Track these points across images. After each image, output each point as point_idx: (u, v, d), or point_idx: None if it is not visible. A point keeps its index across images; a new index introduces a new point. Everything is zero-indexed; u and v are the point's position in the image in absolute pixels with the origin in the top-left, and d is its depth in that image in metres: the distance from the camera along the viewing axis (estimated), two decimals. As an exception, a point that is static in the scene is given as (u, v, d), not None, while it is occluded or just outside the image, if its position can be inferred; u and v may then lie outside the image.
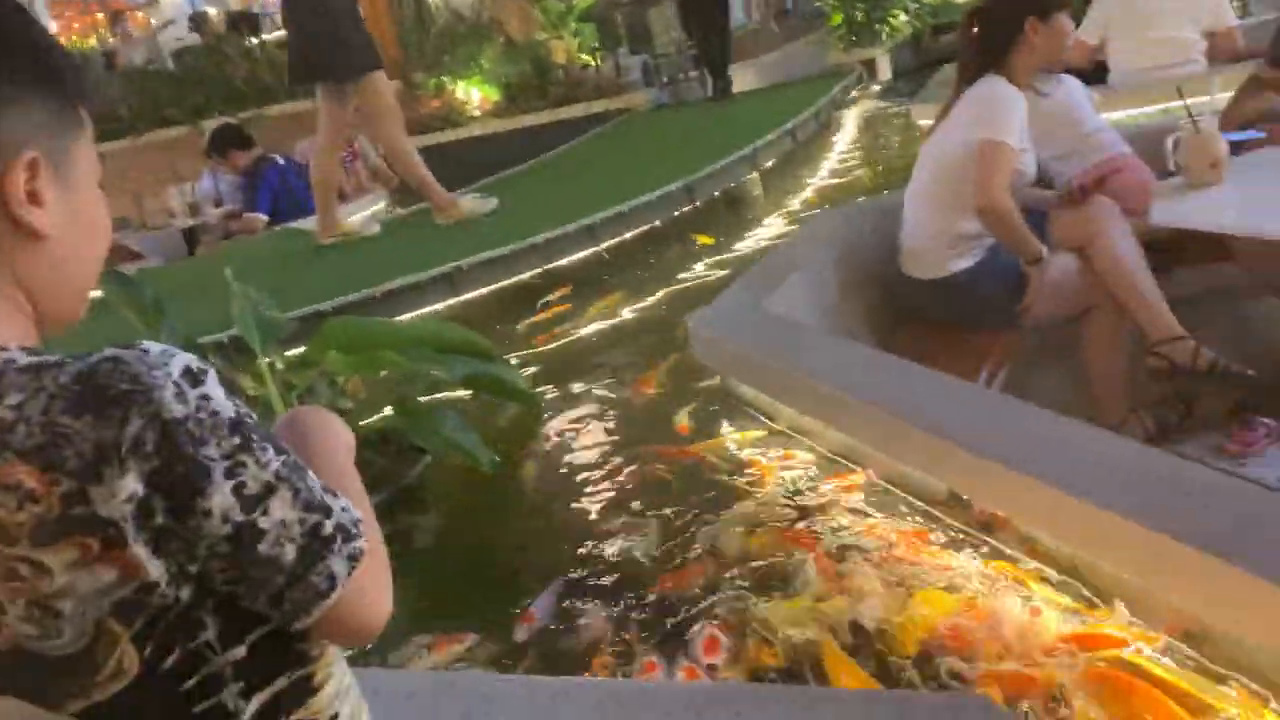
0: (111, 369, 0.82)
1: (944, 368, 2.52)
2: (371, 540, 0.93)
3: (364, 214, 6.42)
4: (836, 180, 6.12)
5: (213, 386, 0.85)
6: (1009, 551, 1.96)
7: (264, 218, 6.99)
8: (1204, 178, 3.17)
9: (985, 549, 1.99)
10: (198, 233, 7.50)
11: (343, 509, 0.89)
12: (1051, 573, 1.85)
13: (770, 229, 5.21)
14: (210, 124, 8.55)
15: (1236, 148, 3.33)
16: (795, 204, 5.62)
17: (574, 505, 2.74)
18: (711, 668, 1.69)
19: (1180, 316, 3.35)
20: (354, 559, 0.88)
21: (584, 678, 1.68)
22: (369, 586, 0.90)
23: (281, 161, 7.15)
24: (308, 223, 6.82)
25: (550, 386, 3.70)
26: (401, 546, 2.92)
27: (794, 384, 2.59)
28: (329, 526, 0.87)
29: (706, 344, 3.04)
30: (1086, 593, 1.79)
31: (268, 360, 3.08)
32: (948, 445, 2.04)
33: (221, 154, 7.23)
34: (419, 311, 4.48)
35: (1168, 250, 3.40)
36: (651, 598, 2.03)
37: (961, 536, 2.05)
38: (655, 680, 1.62)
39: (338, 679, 0.98)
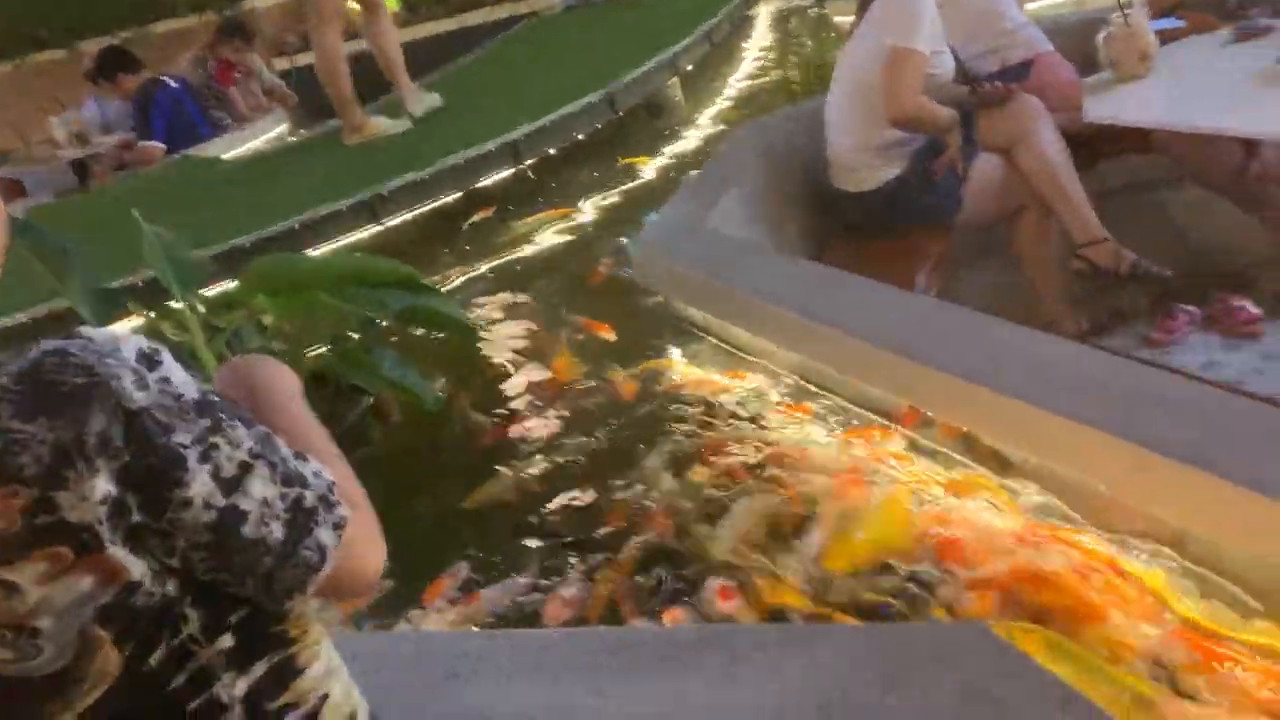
0: (59, 363, 0.74)
1: (881, 276, 2.53)
2: (354, 492, 0.91)
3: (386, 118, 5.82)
4: (759, 83, 6.02)
5: (170, 367, 0.80)
6: (976, 467, 1.98)
7: (161, 146, 6.63)
8: (1133, 70, 3.18)
9: (952, 464, 2.01)
10: (88, 164, 7.10)
11: (315, 474, 0.85)
12: (1025, 486, 1.88)
13: (697, 138, 5.12)
14: (90, 45, 8.04)
15: (1159, 37, 3.35)
16: (720, 111, 5.52)
17: (521, 437, 2.69)
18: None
19: (1103, 210, 3.40)
20: (339, 526, 0.85)
21: (571, 629, 1.66)
22: (358, 541, 0.87)
23: (173, 84, 6.77)
24: (209, 149, 6.51)
25: (483, 315, 3.61)
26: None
27: (741, 304, 2.56)
28: (310, 497, 0.83)
29: (647, 264, 2.99)
30: (1060, 504, 1.82)
31: (188, 304, 2.94)
32: (908, 362, 2.05)
33: (108, 78, 6.82)
34: (340, 241, 4.32)
35: (1088, 143, 3.44)
36: (626, 540, 2.02)
37: (930, 451, 2.06)
38: (647, 627, 1.61)
39: (325, 659, 0.95)
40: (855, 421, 2.23)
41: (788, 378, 2.45)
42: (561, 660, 1.41)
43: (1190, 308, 3.63)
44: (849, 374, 2.26)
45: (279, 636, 0.90)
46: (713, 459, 2.24)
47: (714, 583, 1.73)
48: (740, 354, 2.64)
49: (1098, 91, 3.13)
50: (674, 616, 1.65)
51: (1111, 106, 2.91)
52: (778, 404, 2.37)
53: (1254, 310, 3.58)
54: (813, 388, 2.38)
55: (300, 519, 0.82)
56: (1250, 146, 3.35)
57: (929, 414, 2.07)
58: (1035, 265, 3.59)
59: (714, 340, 2.76)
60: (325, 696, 0.94)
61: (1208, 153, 3.38)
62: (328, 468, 0.87)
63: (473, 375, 3.17)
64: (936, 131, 3.11)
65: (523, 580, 1.95)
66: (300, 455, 0.85)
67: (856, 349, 2.18)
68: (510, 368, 3.11)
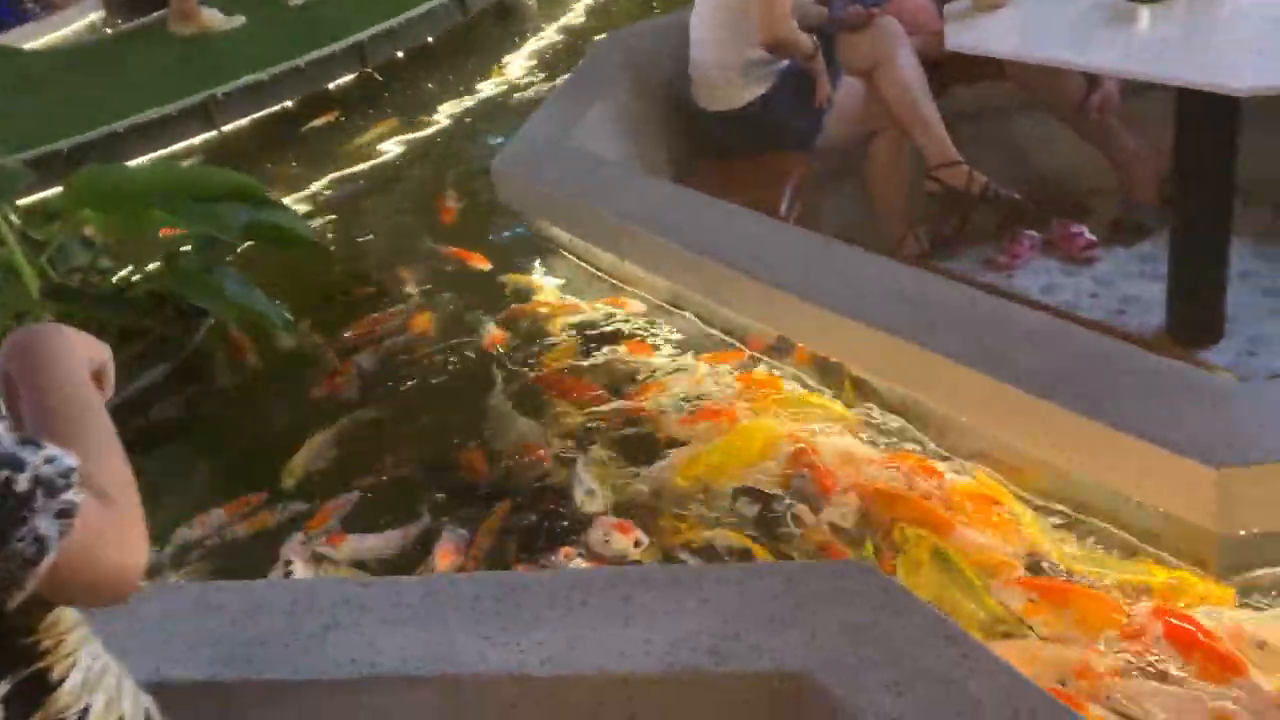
0: None
1: (744, 198, 2.53)
2: (115, 484, 0.82)
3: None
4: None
5: None
6: (833, 393, 2.02)
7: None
8: (992, 1, 3.24)
9: (813, 390, 2.05)
10: None
11: (47, 460, 0.76)
12: (885, 415, 1.93)
13: (551, 46, 4.96)
14: None
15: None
16: (573, 18, 5.36)
17: (375, 361, 2.59)
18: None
19: (957, 133, 3.49)
20: (66, 514, 0.75)
21: (456, 574, 1.62)
22: (109, 537, 0.79)
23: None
24: (11, 38, 5.92)
25: (329, 228, 3.45)
26: (190, 417, 2.70)
27: (609, 228, 2.52)
28: (23, 481, 0.74)
29: (510, 183, 2.90)
30: (918, 433, 1.87)
31: (1, 214, 2.69)
32: (776, 292, 2.06)
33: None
34: (170, 149, 4.02)
35: (944, 68, 3.50)
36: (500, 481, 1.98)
37: (792, 378, 2.09)
38: (534, 571, 1.58)
39: (84, 668, 0.87)
40: (718, 346, 2.24)
41: (656, 303, 2.43)
42: (446, 606, 1.38)
43: (1033, 232, 3.79)
44: (716, 301, 2.26)
45: (28, 650, 0.82)
46: (576, 392, 2.20)
47: (606, 520, 1.72)
48: (607, 278, 2.61)
49: (959, 20, 3.18)
50: (562, 558, 1.64)
51: (972, 37, 2.95)
52: (642, 331, 2.35)
53: (1090, 237, 3.76)
54: (682, 313, 2.37)
55: (8, 505, 0.73)
56: (1093, 80, 3.48)
57: (794, 341, 2.09)
58: (888, 188, 3.66)
59: (580, 263, 2.71)
60: (86, 710, 0.87)
61: (1055, 84, 3.49)
62: (76, 451, 0.78)
63: (323, 300, 3.02)
64: (800, 58, 3.11)
65: (396, 532, 1.89)
66: (29, 440, 0.76)
67: (722, 275, 2.18)
68: (370, 289, 2.98)
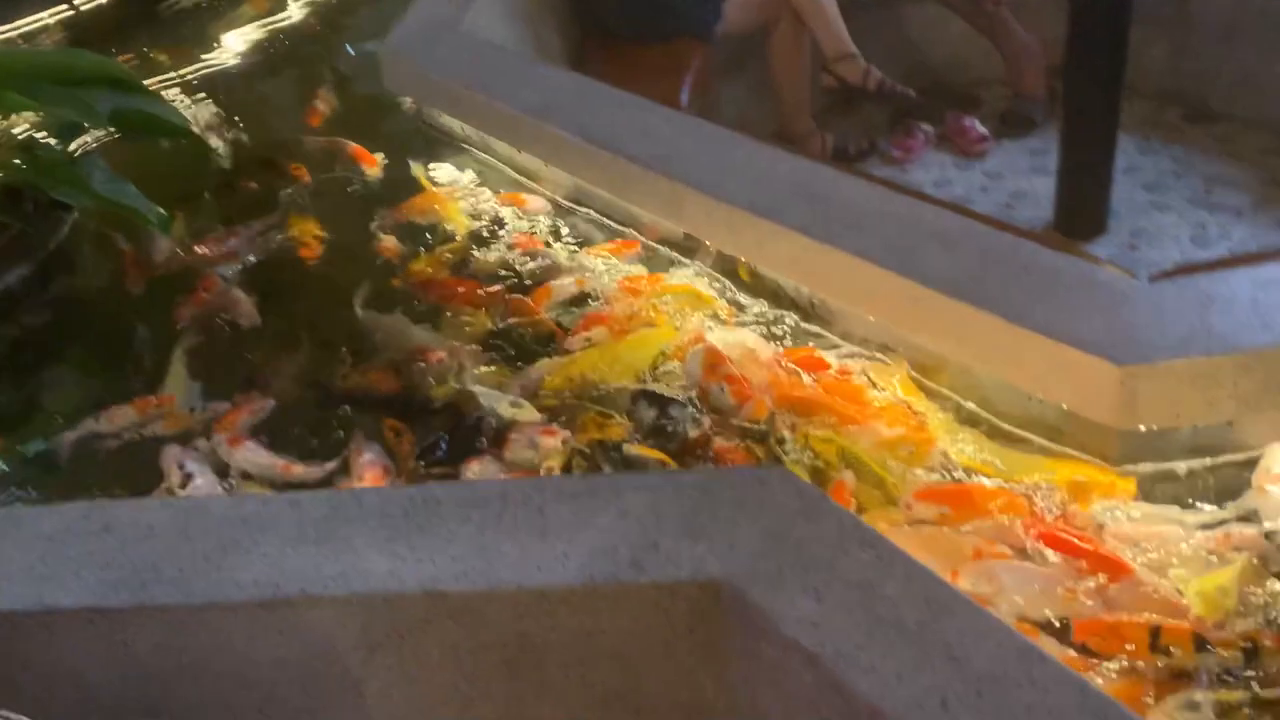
0: None
1: (641, 87, 2.45)
2: None
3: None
4: None
5: None
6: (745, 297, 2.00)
7: None
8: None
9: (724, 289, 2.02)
10: None
11: None
12: (786, 313, 1.92)
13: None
14: None
15: None
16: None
17: (254, 267, 2.46)
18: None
19: (851, 25, 3.46)
20: None
21: (362, 488, 1.56)
22: None
23: None
24: None
25: (202, 118, 3.23)
26: (57, 320, 2.52)
27: (508, 119, 2.42)
28: None
29: (401, 70, 2.74)
30: (826, 332, 1.87)
31: None
32: (684, 189, 2.01)
33: None
34: (18, 28, 3.69)
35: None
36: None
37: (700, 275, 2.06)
38: (445, 484, 1.53)
39: None
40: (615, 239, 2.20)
41: (558, 200, 2.36)
42: (353, 523, 1.33)
43: (926, 126, 3.81)
44: (621, 198, 2.20)
45: None
46: (471, 295, 2.12)
47: (528, 427, 1.66)
48: (506, 172, 2.51)
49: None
50: (475, 471, 1.59)
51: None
52: (542, 229, 2.28)
53: (981, 130, 3.80)
54: (586, 211, 2.30)
55: None
56: (987, -31, 3.47)
57: (702, 240, 2.06)
58: (789, 79, 3.62)
59: (475, 156, 2.61)
60: None
61: (948, -27, 3.48)
62: None
63: (199, 197, 2.84)
64: None
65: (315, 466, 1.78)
66: None
67: (627, 171, 2.12)
68: (251, 185, 2.81)
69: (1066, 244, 3.17)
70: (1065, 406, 1.51)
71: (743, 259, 1.95)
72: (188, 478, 1.81)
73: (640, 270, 2.10)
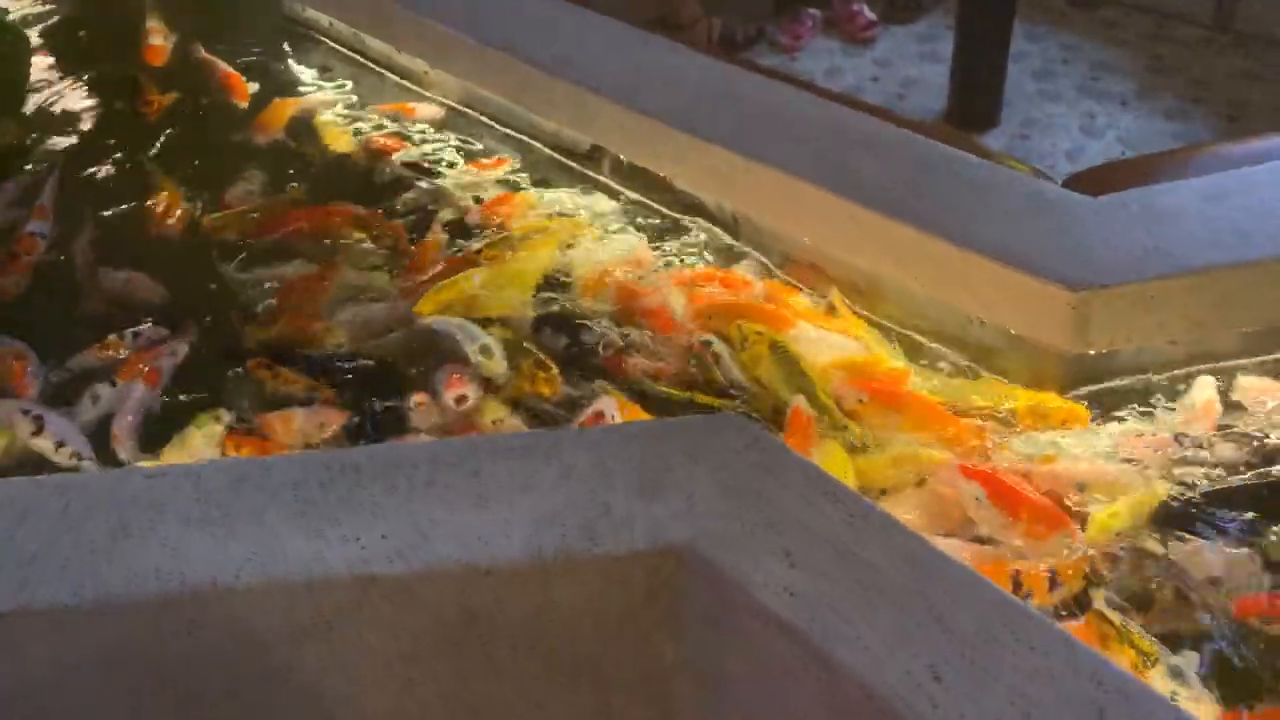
0: None
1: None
2: None
3: None
4: None
5: None
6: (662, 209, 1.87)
7: None
8: None
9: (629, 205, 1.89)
10: None
11: None
12: (717, 231, 1.81)
13: None
14: None
15: None
16: None
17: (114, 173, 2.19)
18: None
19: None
20: None
21: (268, 457, 1.37)
22: None
23: None
24: None
25: (27, 17, 2.84)
26: None
27: (386, 13, 2.19)
28: None
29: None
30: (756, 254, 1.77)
31: None
32: (590, 96, 1.86)
33: None
34: None
35: None
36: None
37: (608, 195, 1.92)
38: (365, 447, 1.37)
39: None
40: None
41: (452, 107, 2.16)
42: (262, 497, 1.18)
43: (814, 11, 3.69)
44: (518, 104, 2.02)
45: None
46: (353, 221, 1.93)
47: (443, 374, 1.51)
48: (388, 76, 2.28)
49: None
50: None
51: None
52: (432, 143, 2.08)
53: (870, 16, 3.71)
54: (480, 118, 2.11)
55: None
56: None
57: (611, 153, 1.91)
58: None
59: (348, 55, 2.37)
60: None
61: None
62: None
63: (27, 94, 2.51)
64: None
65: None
66: None
67: (524, 75, 1.95)
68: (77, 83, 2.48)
69: (1001, 156, 3.14)
70: (1013, 331, 1.45)
71: (660, 173, 1.82)
72: (39, 422, 1.59)
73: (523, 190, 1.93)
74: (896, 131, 1.63)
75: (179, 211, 1.96)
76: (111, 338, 1.68)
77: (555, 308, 1.72)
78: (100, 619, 1.12)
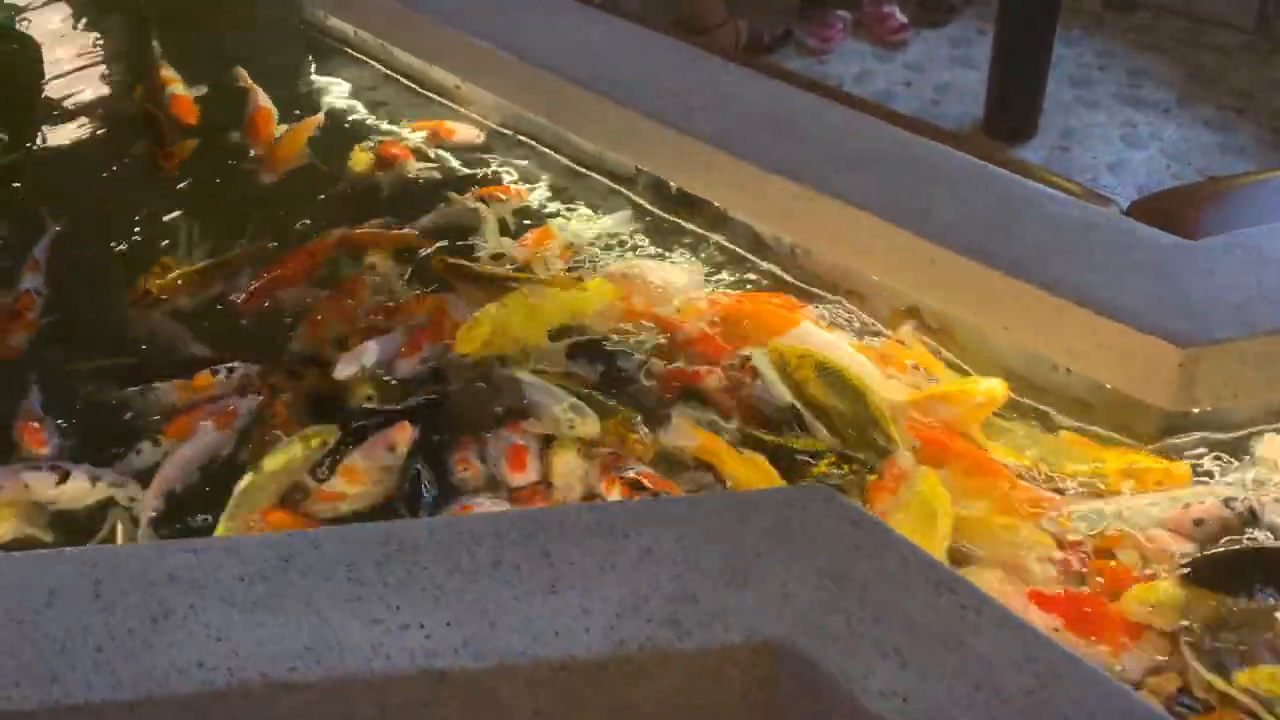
0: None
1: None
2: None
3: None
4: None
5: None
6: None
7: None
8: None
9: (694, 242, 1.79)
10: None
11: None
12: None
13: None
14: None
15: None
16: None
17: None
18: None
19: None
20: None
21: (318, 530, 1.25)
22: None
23: None
24: None
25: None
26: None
27: (414, 25, 2.08)
28: None
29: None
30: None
31: None
32: (640, 120, 1.75)
33: None
34: None
35: None
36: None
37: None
38: (419, 521, 1.25)
39: None
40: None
41: (494, 128, 2.04)
42: (311, 577, 1.08)
43: (844, 13, 3.58)
44: (563, 126, 1.92)
45: None
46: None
47: (501, 443, 1.41)
48: (421, 93, 2.17)
49: None
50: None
51: None
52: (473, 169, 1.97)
53: (901, 18, 3.59)
54: (528, 143, 2.00)
55: None
56: None
57: (664, 179, 1.80)
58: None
59: (375, 68, 2.26)
60: None
61: None
62: None
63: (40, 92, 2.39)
64: None
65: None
66: None
67: (568, 96, 1.84)
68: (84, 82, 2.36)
69: (994, 146, 3.04)
70: (1108, 385, 1.35)
71: (717, 203, 1.71)
72: (60, 471, 1.49)
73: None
74: (971, 163, 1.53)
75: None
76: (203, 373, 1.59)
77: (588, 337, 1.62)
78: (136, 716, 1.03)
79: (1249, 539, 1.24)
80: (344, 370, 1.54)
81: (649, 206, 1.82)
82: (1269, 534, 1.27)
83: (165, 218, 1.94)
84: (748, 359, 1.52)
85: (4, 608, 1.10)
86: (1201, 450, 1.35)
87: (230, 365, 1.59)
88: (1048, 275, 1.35)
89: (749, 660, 1.02)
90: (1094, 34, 3.56)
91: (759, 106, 1.69)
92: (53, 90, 2.38)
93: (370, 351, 1.56)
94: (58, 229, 1.91)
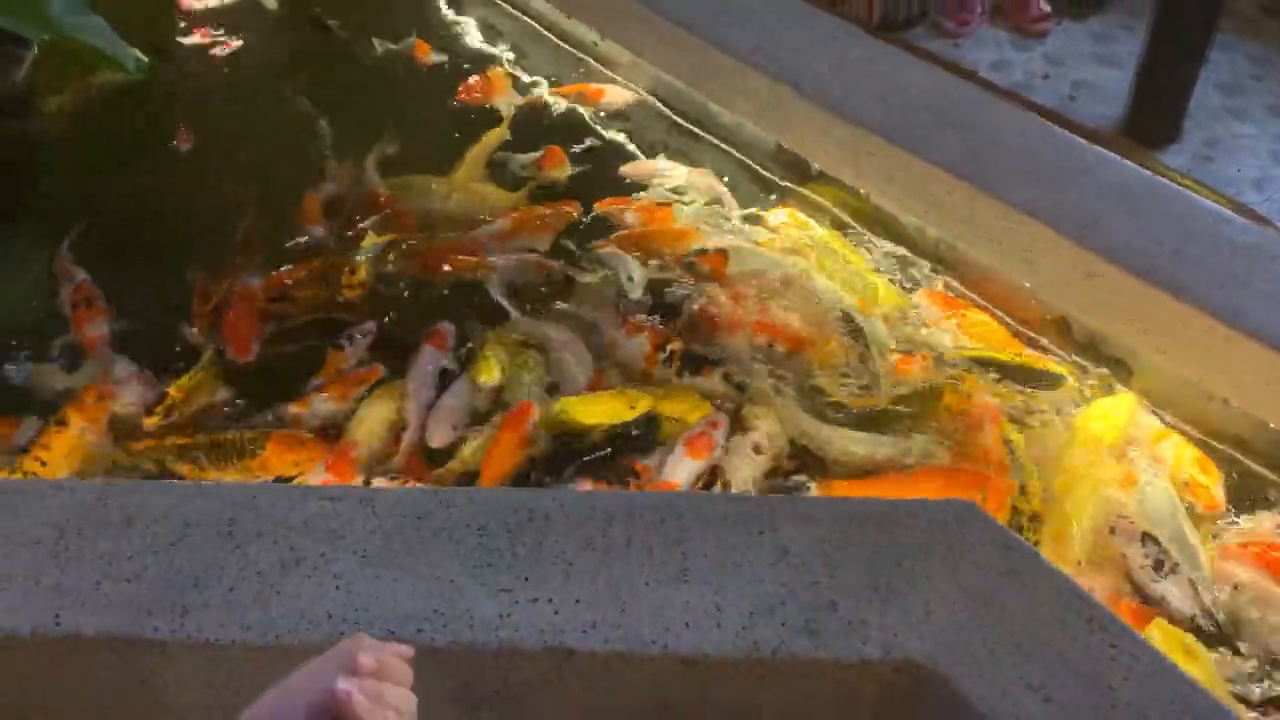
0: None
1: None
2: None
3: None
4: None
5: None
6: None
7: None
8: None
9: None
10: None
11: None
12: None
13: None
14: None
15: None
16: None
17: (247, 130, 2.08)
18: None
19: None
20: None
21: (454, 491, 1.21)
22: None
23: None
24: None
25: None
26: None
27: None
28: None
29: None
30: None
31: None
32: (791, 97, 1.70)
33: None
34: None
35: None
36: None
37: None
38: (555, 491, 1.23)
39: None
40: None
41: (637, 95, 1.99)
42: (443, 538, 1.07)
43: (984, -2, 3.46)
44: (707, 97, 1.87)
45: None
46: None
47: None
48: (571, 52, 2.12)
49: None
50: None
51: None
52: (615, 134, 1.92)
53: (1044, 7, 3.45)
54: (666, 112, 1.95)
55: None
56: None
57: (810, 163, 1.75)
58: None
59: (530, 27, 2.22)
60: None
61: None
62: None
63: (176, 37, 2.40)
64: None
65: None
66: None
67: (718, 65, 1.79)
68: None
69: (1134, 150, 2.91)
70: (1272, 425, 1.28)
71: (866, 193, 1.66)
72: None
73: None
74: (1150, 179, 1.45)
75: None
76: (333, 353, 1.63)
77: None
78: (263, 660, 1.03)
79: None
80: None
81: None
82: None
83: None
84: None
85: (144, 536, 1.11)
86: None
87: (356, 332, 1.64)
88: (1221, 303, 1.28)
89: (888, 678, 0.98)
90: (1248, 39, 3.39)
91: (922, 97, 1.63)
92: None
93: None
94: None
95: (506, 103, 1.96)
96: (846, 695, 0.99)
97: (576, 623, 1.01)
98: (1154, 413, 1.39)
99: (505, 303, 1.63)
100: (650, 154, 1.88)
